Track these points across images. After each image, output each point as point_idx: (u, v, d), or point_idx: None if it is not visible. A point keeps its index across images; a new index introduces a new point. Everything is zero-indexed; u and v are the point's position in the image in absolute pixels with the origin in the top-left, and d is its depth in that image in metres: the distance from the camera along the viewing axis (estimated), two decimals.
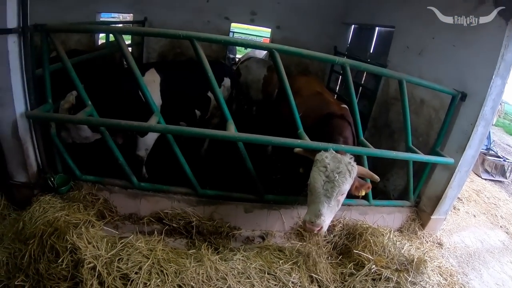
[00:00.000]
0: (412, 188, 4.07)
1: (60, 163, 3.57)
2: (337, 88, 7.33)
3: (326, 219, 2.79)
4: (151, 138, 4.14)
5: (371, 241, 3.46)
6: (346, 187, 2.83)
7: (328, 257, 3.38)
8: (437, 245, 4.15)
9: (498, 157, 8.32)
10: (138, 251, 2.80)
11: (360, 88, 6.18)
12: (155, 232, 3.29)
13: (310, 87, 4.43)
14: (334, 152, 2.91)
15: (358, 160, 3.27)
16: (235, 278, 2.84)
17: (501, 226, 5.37)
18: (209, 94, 4.54)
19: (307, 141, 3.12)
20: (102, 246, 2.80)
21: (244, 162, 3.41)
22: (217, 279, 2.78)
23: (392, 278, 3.09)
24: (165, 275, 2.69)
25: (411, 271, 3.18)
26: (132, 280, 2.62)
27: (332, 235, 3.64)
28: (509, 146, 12.22)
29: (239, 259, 3.01)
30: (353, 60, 3.58)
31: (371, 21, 6.16)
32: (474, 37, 3.61)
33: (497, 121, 16.20)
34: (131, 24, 7.62)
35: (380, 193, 4.73)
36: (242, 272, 2.89)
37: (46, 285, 2.68)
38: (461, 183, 4.04)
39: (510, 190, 7.43)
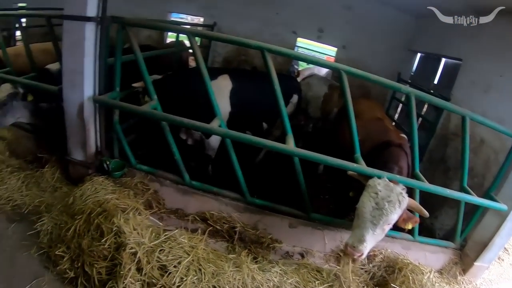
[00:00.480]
0: (460, 230, 3.87)
1: (117, 149, 3.73)
2: (396, 116, 7.15)
3: (368, 246, 2.70)
4: (215, 140, 4.27)
5: (410, 278, 3.32)
6: (394, 217, 2.74)
7: (364, 286, 3.28)
8: None
9: None
10: (180, 245, 2.87)
11: (420, 118, 5.97)
12: (199, 231, 3.35)
13: (371, 112, 4.39)
14: (387, 180, 2.84)
15: (410, 192, 3.17)
16: None
17: None
18: None
19: (363, 166, 3.07)
20: (147, 234, 2.90)
21: (297, 178, 3.39)
22: None
23: None
24: (202, 274, 2.74)
25: None
26: (170, 273, 2.69)
27: (371, 265, 3.52)
28: None
29: (277, 272, 3.00)
30: (416, 89, 3.51)
31: (438, 51, 5.96)
32: None
33: None
34: (200, 27, 7.87)
35: (425, 230, 4.53)
36: (278, 286, 2.88)
37: (85, 260, 2.81)
38: (511, 232, 3.80)
39: None
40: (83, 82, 3.33)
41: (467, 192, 3.54)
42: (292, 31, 7.56)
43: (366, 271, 3.47)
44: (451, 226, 4.22)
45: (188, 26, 7.80)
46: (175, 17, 8.71)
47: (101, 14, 3.30)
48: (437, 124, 5.27)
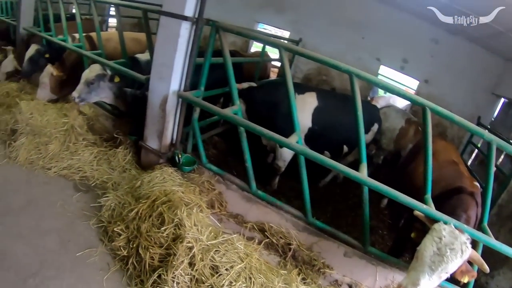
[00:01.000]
0: None
1: (191, 145, 3.89)
2: (470, 161, 6.79)
3: None
4: (288, 152, 4.31)
5: None
6: (454, 266, 2.60)
7: None
8: None
9: None
10: (235, 250, 2.90)
11: (494, 168, 5.59)
12: (256, 240, 3.37)
13: (447, 154, 4.20)
14: (453, 227, 2.71)
15: (473, 245, 2.98)
16: None
17: None
18: None
19: (432, 209, 2.94)
20: (205, 232, 2.96)
21: (362, 207, 3.32)
22: None
23: None
24: (252, 283, 2.74)
25: None
26: (220, 274, 2.72)
27: None
28: None
29: None
30: (495, 136, 3.29)
31: None
32: None
33: None
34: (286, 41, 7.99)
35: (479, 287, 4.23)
36: None
37: (141, 243, 2.93)
38: None
39: None
40: (171, 76, 3.52)
41: None
42: (376, 58, 7.48)
43: None
44: None
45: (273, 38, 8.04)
46: (260, 27, 8.95)
47: (198, 15, 3.48)
48: (511, 178, 4.92)
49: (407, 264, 2.79)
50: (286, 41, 7.67)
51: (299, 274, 3.17)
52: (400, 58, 7.35)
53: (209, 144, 5.19)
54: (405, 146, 5.79)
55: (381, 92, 7.84)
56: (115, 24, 10.16)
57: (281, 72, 3.44)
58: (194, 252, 2.78)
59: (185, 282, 2.68)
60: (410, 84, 7.94)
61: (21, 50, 6.12)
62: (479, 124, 6.52)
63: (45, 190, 3.57)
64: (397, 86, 4.12)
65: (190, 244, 2.82)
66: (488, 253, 3.71)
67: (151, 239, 2.94)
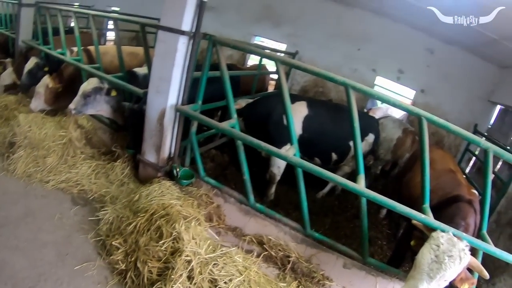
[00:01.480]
0: None
1: (189, 158, 3.90)
2: (468, 169, 6.78)
3: None
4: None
5: None
6: (452, 273, 2.59)
7: None
8: None
9: None
10: (234, 263, 2.88)
11: (492, 175, 5.61)
12: (254, 253, 3.35)
13: (444, 163, 4.22)
14: (451, 234, 2.72)
15: (472, 253, 2.98)
16: None
17: None
18: (351, 143, 4.62)
19: (430, 218, 2.95)
20: (204, 246, 2.95)
21: (360, 218, 3.32)
22: None
23: None
24: None
25: None
26: None
27: None
28: None
29: None
30: (492, 143, 3.31)
31: None
32: None
33: None
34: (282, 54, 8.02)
35: None
36: None
37: (140, 256, 2.92)
38: None
39: None
40: (169, 90, 3.55)
41: None
42: (372, 69, 7.53)
43: None
44: None
45: (269, 51, 8.14)
46: (257, 40, 9.01)
47: (195, 30, 3.53)
48: (509, 185, 4.94)
49: (407, 274, 2.77)
50: (282, 54, 7.76)
51: (298, 287, 3.16)
52: (396, 69, 7.41)
53: (207, 157, 5.21)
54: (403, 156, 5.81)
55: (379, 103, 7.89)
56: (113, 38, 10.30)
57: (278, 84, 3.47)
58: (193, 265, 2.77)
59: None
60: (406, 94, 8.00)
61: (19, 63, 6.13)
62: (476, 131, 6.59)
63: (43, 203, 3.58)
64: (392, 96, 4.16)
65: (188, 258, 2.81)
66: (489, 261, 3.72)
67: (149, 252, 2.93)
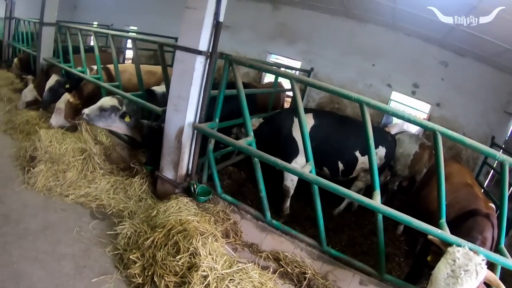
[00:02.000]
0: None
1: (206, 175, 3.97)
2: (486, 183, 6.63)
3: None
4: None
5: None
6: None
7: None
8: None
9: None
10: (250, 279, 2.90)
11: (511, 188, 5.50)
12: (271, 269, 3.35)
13: (461, 177, 4.19)
14: (468, 249, 2.69)
15: (491, 268, 2.92)
16: None
17: None
18: (357, 154, 4.68)
19: (446, 233, 2.92)
20: (220, 261, 2.97)
21: (377, 235, 3.30)
22: None
23: None
24: None
25: None
26: None
27: None
28: None
29: None
30: (510, 155, 3.27)
31: None
32: None
33: None
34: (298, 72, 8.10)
35: None
36: None
37: (157, 271, 2.95)
38: None
39: None
40: (187, 108, 3.63)
41: None
42: (387, 84, 7.55)
43: None
44: None
45: (284, 69, 8.25)
46: (272, 57, 9.14)
47: (211, 49, 3.62)
48: None
49: None
50: (297, 71, 7.83)
51: None
52: (410, 83, 7.41)
53: (224, 174, 5.25)
54: (420, 171, 5.76)
55: (395, 119, 7.88)
56: (131, 56, 10.59)
57: (294, 102, 3.53)
58: (209, 280, 2.79)
59: None
60: (422, 108, 7.96)
61: (40, 80, 6.38)
62: (493, 144, 6.45)
63: (62, 216, 3.65)
64: (407, 111, 4.14)
65: (205, 273, 2.84)
66: (508, 275, 3.63)
67: (166, 267, 2.96)
